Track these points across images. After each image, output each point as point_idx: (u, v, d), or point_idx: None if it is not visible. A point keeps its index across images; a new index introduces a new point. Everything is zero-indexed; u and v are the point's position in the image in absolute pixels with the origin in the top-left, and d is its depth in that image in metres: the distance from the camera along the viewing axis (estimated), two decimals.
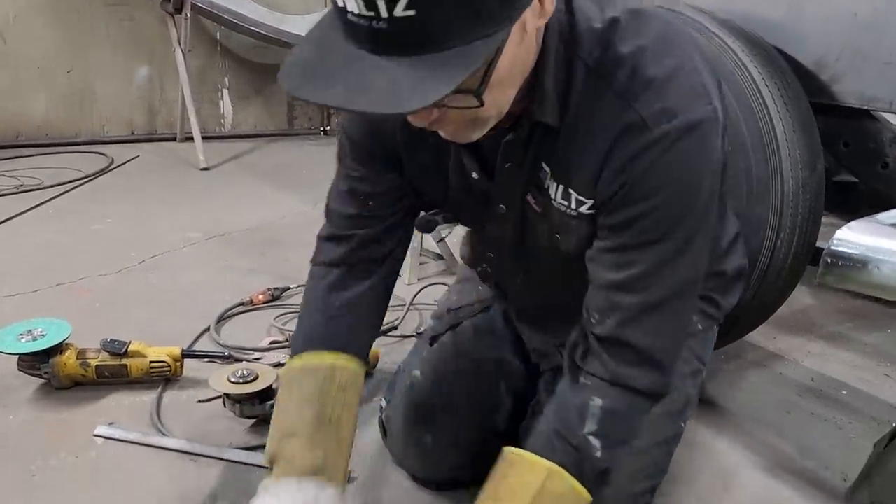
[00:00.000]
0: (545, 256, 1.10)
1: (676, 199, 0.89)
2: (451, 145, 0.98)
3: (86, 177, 3.60)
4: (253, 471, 1.41)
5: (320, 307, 1.11)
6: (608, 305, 0.96)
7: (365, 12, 0.67)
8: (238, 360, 1.78)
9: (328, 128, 5.33)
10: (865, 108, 1.66)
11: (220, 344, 1.94)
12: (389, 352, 1.89)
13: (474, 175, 1.02)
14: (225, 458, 1.45)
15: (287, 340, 1.91)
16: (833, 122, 1.75)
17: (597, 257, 0.97)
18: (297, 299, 2.09)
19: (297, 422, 1.03)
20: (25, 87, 4.18)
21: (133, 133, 4.60)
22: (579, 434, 0.97)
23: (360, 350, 1.12)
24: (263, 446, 1.45)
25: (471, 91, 0.75)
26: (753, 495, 1.43)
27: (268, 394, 1.52)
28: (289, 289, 2.26)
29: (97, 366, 1.66)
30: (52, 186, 3.38)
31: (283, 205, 3.31)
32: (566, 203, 0.97)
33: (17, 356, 1.64)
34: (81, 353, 1.67)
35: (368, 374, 1.55)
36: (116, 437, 1.51)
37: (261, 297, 2.20)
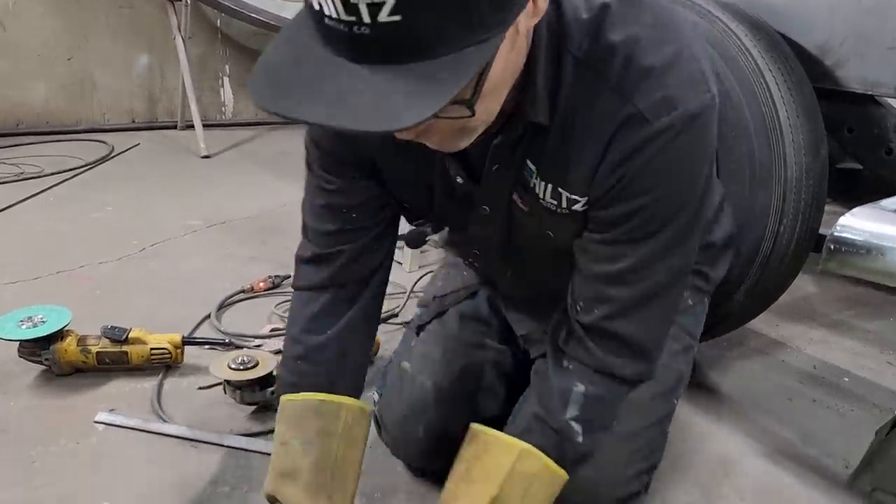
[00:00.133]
0: (534, 251, 1.07)
1: (676, 192, 0.87)
2: (436, 152, 0.90)
3: (86, 165, 3.58)
4: (253, 457, 1.42)
5: (312, 345, 1.07)
6: (596, 296, 0.94)
7: (345, 17, 0.60)
8: (238, 347, 1.78)
9: None
10: (869, 93, 1.64)
11: (220, 331, 1.94)
12: (390, 339, 1.88)
13: (459, 179, 0.97)
14: (225, 444, 1.46)
15: None
16: (837, 107, 1.73)
17: (587, 247, 0.94)
18: None
19: (300, 462, 1.02)
20: (25, 75, 4.16)
21: (133, 121, 4.58)
22: (560, 419, 0.97)
23: (357, 382, 1.12)
24: (264, 433, 1.48)
25: (462, 102, 0.68)
26: (755, 482, 1.43)
27: (268, 380, 1.52)
28: (289, 276, 2.25)
29: (98, 352, 1.66)
30: (52, 174, 3.37)
31: (283, 193, 3.31)
32: (555, 202, 0.93)
33: (18, 343, 1.64)
34: (82, 340, 1.67)
35: (370, 362, 1.55)
36: (117, 423, 1.52)
37: (261, 284, 2.20)
